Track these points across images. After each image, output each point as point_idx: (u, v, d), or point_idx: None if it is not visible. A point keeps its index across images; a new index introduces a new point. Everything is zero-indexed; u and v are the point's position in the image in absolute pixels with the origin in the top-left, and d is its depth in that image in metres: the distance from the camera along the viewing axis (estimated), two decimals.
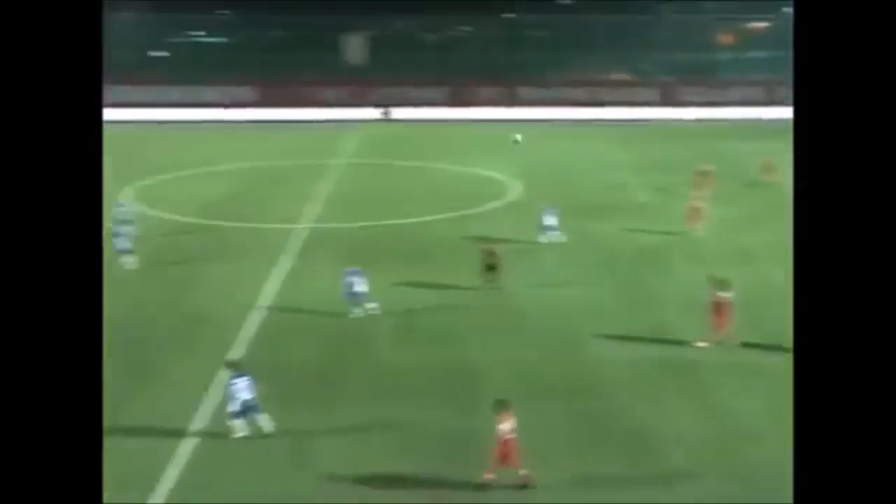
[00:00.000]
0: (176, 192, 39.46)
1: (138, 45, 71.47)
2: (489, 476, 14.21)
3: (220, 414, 16.90)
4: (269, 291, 24.70)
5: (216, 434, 16.14)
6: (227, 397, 16.11)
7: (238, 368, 16.45)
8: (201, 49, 74.34)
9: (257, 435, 15.99)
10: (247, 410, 15.89)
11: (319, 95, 68.35)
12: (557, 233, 29.31)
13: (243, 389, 15.84)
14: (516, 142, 50.01)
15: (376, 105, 67.51)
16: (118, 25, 72.71)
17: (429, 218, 33.67)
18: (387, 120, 66.75)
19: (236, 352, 20.17)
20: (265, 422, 16.05)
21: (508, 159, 46.13)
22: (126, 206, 31.25)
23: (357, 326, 21.88)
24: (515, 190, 39.06)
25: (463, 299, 23.72)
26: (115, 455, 15.43)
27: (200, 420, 16.74)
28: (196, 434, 16.21)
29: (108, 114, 69.51)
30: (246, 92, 69.19)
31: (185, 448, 15.73)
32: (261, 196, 38.61)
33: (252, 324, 22.15)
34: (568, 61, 67.53)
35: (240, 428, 15.92)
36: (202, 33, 75.49)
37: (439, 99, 67.83)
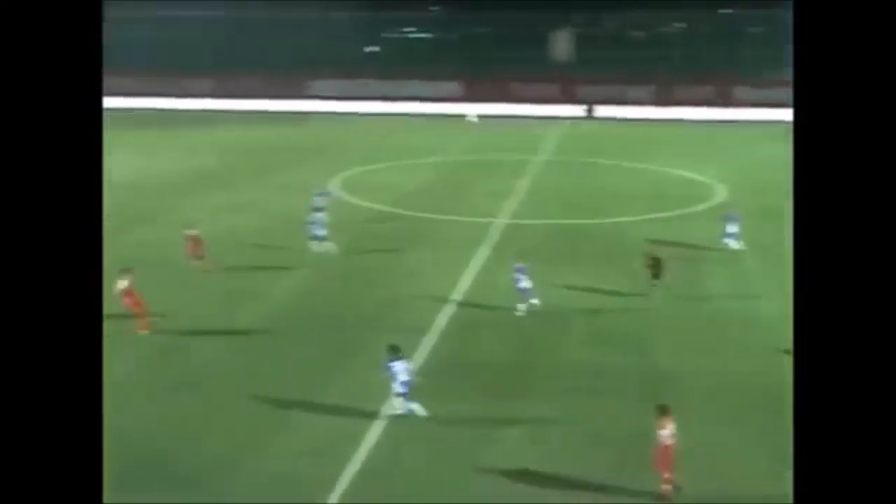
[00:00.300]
0: (380, 181, 40.85)
1: (354, 42, 74.63)
2: (666, 487, 13.80)
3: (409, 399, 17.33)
4: (464, 283, 25.02)
5: (404, 417, 16.53)
6: (390, 380, 16.57)
7: (395, 353, 16.78)
8: (411, 44, 76.66)
9: (427, 419, 16.35)
10: (403, 394, 16.44)
11: (524, 91, 68.64)
12: (739, 241, 27.81)
13: (402, 372, 16.42)
14: (472, 122, 48.62)
15: (580, 102, 66.93)
16: (336, 23, 76.32)
17: (624, 219, 32.94)
18: (590, 118, 66.00)
19: (429, 340, 20.61)
20: (406, 407, 16.61)
21: (716, 162, 44.36)
22: (326, 194, 32.74)
23: (544, 323, 21.75)
24: (720, 194, 37.50)
25: (649, 305, 22.97)
26: (314, 429, 16.27)
27: (389, 405, 17.17)
28: (386, 416, 16.65)
29: (322, 106, 73.21)
30: (452, 87, 70.62)
31: (376, 428, 16.20)
32: (461, 189, 39.24)
33: (445, 313, 22.51)
34: (788, 59, 64.06)
35: (417, 409, 16.45)
36: (412, 29, 77.77)
37: (646, 98, 66.34)
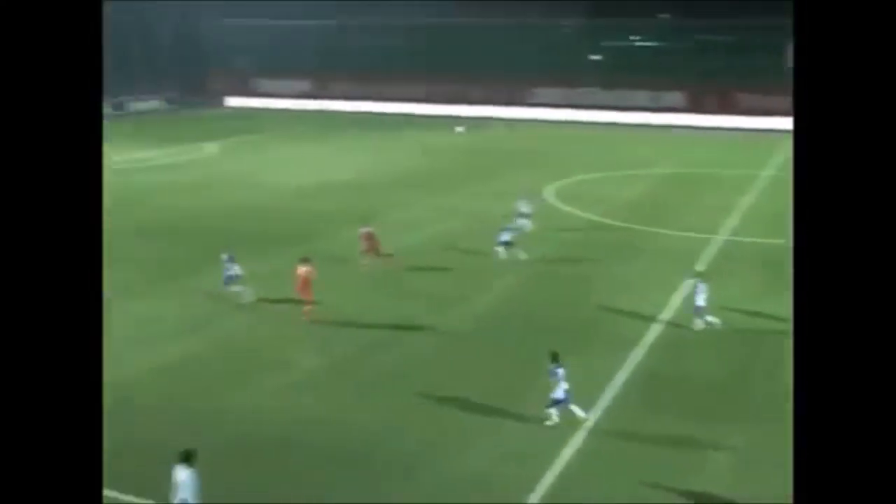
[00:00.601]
0: (596, 191, 40.35)
1: (578, 50, 74.21)
2: None
3: (612, 412, 16.96)
4: (675, 300, 24.11)
5: (602, 431, 16.26)
6: (552, 385, 16.40)
7: (556, 359, 16.60)
8: (635, 53, 75.14)
9: (572, 425, 16.00)
10: (561, 401, 16.34)
11: (752, 103, 65.57)
12: None
13: (563, 379, 16.32)
14: (460, 132, 46.22)
15: None
16: (560, 31, 76.19)
17: None
18: None
19: (636, 354, 20.07)
20: (579, 412, 16.51)
21: None
22: (531, 200, 32.67)
23: (756, 346, 20.68)
24: None
25: None
26: (515, 432, 16.28)
27: (592, 415, 16.87)
28: (585, 429, 16.37)
29: (544, 114, 73.04)
30: (676, 97, 68.63)
31: (577, 438, 16.01)
32: (680, 203, 37.99)
33: (654, 329, 21.82)
34: None
35: (555, 416, 16.41)
36: (638, 37, 76.16)
37: None
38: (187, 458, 12.43)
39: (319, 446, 15.80)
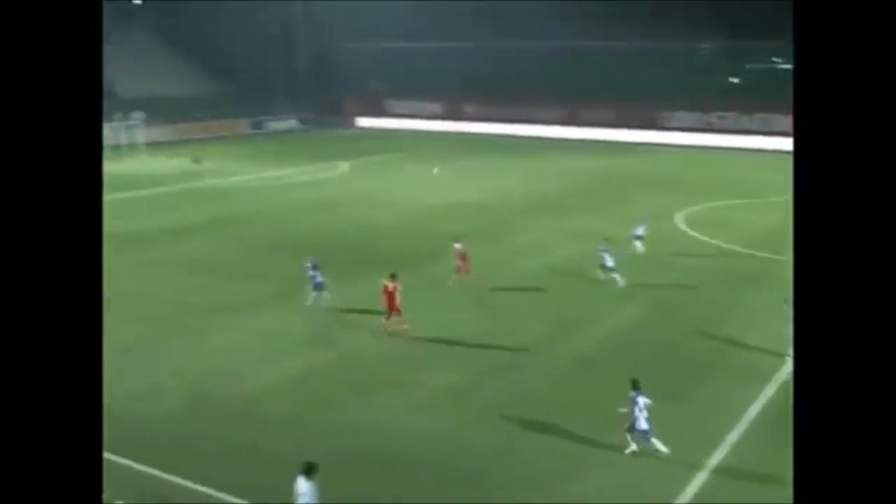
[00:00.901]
0: (728, 219, 39.06)
1: (717, 72, 72.36)
2: None
3: (740, 450, 16.27)
4: None
5: (728, 469, 15.56)
6: (633, 413, 15.88)
7: (637, 387, 16.06)
8: (776, 75, 72.50)
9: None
10: (647, 431, 15.85)
11: None
12: None
13: (645, 407, 15.80)
14: (435, 175, 49.62)
15: None
16: (699, 54, 74.41)
17: None
18: None
19: (768, 389, 19.20)
20: (632, 441, 16.02)
21: None
22: (645, 224, 32.16)
23: None
24: None
25: None
26: (633, 465, 15.80)
27: (719, 451, 16.21)
28: (711, 468, 15.72)
29: (679, 138, 71.24)
30: None
31: (699, 477, 15.37)
32: None
33: (789, 363, 20.77)
34: None
35: (661, 446, 15.83)
36: (780, 59, 73.52)
37: None
38: (309, 470, 12.71)
39: (435, 465, 15.80)
